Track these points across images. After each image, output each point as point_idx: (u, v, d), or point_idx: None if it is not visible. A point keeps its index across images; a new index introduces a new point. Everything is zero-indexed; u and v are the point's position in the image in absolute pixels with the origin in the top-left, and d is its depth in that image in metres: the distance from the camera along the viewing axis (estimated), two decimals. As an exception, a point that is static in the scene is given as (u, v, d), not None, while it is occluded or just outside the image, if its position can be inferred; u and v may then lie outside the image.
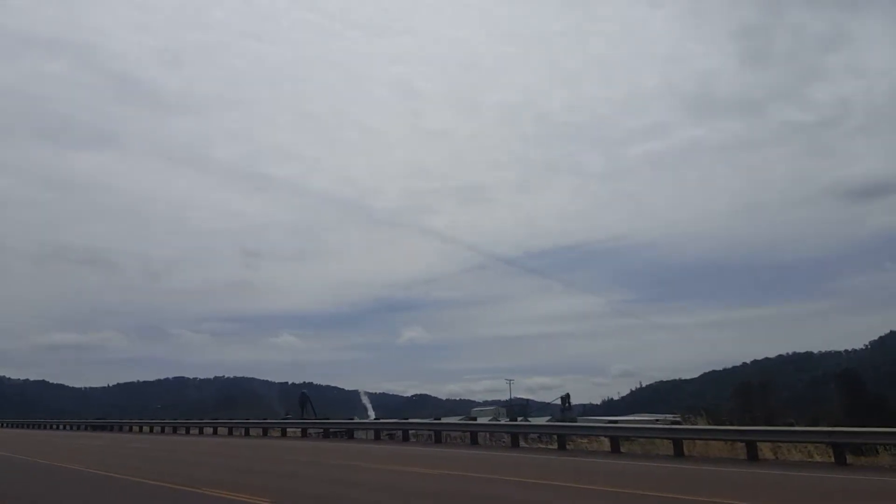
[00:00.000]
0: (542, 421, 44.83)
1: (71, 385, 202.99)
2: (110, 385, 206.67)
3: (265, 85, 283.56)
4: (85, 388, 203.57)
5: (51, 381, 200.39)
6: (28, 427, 59.94)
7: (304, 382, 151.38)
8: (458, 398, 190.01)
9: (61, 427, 56.16)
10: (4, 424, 66.45)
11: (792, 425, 20.40)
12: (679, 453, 17.79)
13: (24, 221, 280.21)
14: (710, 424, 21.37)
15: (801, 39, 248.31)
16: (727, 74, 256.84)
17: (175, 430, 41.16)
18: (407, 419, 31.54)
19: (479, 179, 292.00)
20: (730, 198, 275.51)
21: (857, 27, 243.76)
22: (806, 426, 20.54)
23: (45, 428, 57.15)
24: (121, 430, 46.90)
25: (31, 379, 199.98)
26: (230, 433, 36.86)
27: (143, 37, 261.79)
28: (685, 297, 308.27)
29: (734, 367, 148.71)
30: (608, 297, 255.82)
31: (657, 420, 31.42)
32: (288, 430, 34.53)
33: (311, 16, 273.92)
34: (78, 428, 52.73)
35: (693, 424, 21.70)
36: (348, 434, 31.14)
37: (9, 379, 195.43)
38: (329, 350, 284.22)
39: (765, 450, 17.32)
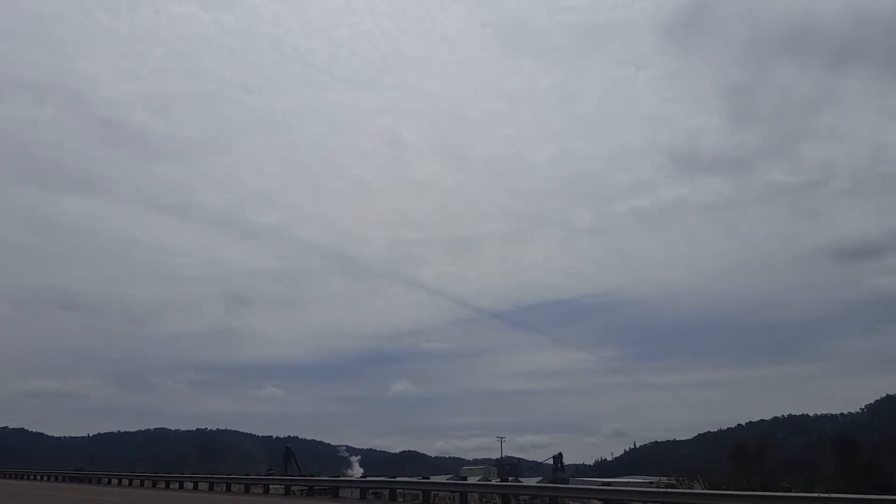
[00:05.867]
0: (534, 481, 43.85)
1: (50, 434, 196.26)
2: (90, 434, 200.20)
3: (252, 134, 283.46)
4: (64, 437, 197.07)
5: (30, 430, 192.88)
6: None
7: (289, 436, 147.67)
8: (447, 455, 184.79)
9: (35, 478, 54.35)
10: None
11: (788, 490, 19.97)
12: (674, 518, 17.32)
13: (4, 264, 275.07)
14: (705, 488, 20.93)
15: (787, 99, 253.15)
16: (712, 134, 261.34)
17: (154, 485, 39.85)
18: (395, 477, 30.89)
19: (465, 231, 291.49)
20: (716, 257, 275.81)
21: (841, 88, 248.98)
22: (801, 491, 20.13)
23: (17, 478, 55.24)
24: (99, 482, 45.39)
25: (10, 427, 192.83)
26: (211, 488, 35.76)
27: (132, 84, 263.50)
28: (675, 356, 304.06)
29: (729, 429, 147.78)
30: (597, 354, 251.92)
31: (652, 483, 30.79)
32: (271, 486, 33.55)
33: (297, 67, 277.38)
34: (55, 479, 51.05)
35: (689, 488, 21.26)
36: (333, 492, 30.25)
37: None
38: (313, 402, 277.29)
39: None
